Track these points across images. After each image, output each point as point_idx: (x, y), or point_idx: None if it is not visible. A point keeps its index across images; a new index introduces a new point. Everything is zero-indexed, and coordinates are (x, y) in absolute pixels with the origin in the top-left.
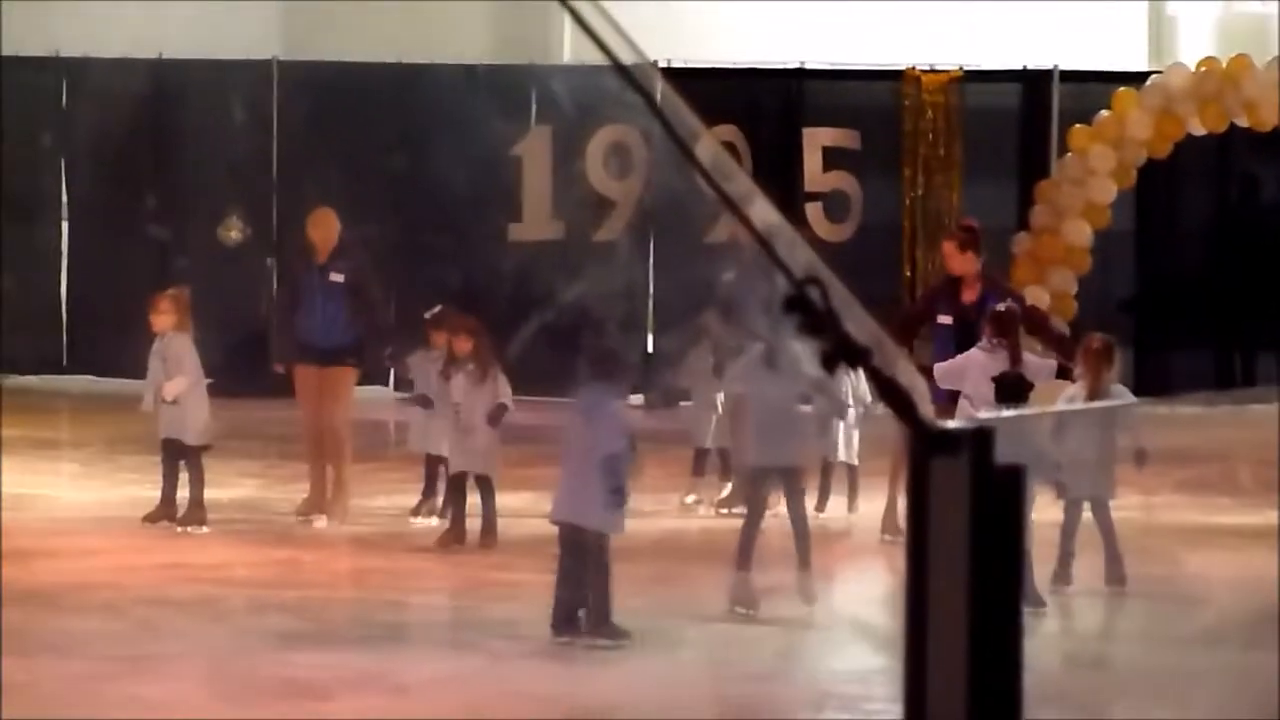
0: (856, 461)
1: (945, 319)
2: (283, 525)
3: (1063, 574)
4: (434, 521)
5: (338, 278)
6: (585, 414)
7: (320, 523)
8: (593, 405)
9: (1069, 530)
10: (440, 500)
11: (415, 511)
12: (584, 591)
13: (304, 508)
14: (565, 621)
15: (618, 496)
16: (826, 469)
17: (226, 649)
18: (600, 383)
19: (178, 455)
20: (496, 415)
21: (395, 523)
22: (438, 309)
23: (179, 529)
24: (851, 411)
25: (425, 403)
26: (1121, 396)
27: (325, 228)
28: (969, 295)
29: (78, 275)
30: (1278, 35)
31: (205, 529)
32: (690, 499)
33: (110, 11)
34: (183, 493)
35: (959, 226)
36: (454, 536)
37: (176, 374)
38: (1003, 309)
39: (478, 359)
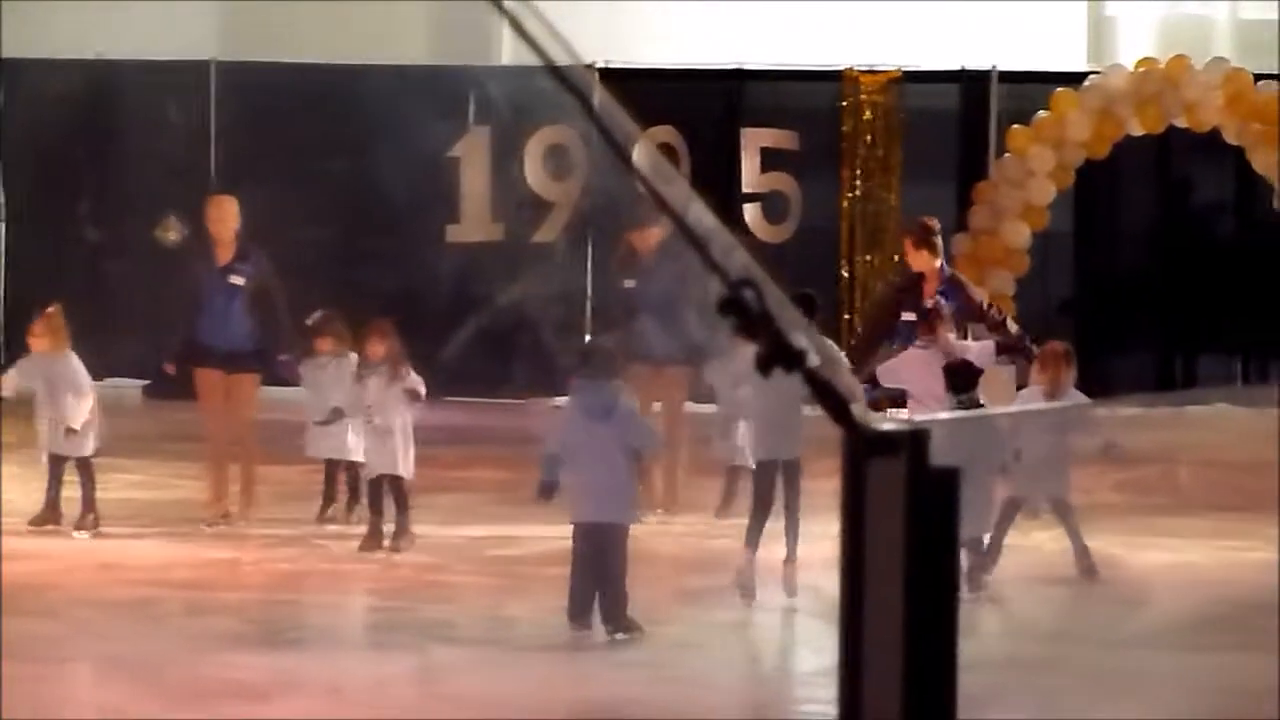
0: None
1: (909, 316)
2: (221, 527)
3: (988, 563)
4: (356, 525)
5: (238, 280)
6: (596, 414)
7: (222, 526)
8: (601, 404)
9: (1002, 524)
10: (345, 504)
11: (320, 518)
12: (598, 585)
13: (208, 512)
14: (582, 613)
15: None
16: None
17: (164, 651)
18: (601, 381)
19: (64, 461)
20: (414, 397)
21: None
22: (319, 314)
23: (75, 533)
24: None
25: (339, 415)
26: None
27: (223, 216)
28: (929, 292)
29: (15, 276)
30: (1217, 36)
31: (87, 535)
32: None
33: (47, 13)
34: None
35: (916, 224)
36: (375, 541)
37: (71, 396)
38: (930, 305)
39: (390, 361)
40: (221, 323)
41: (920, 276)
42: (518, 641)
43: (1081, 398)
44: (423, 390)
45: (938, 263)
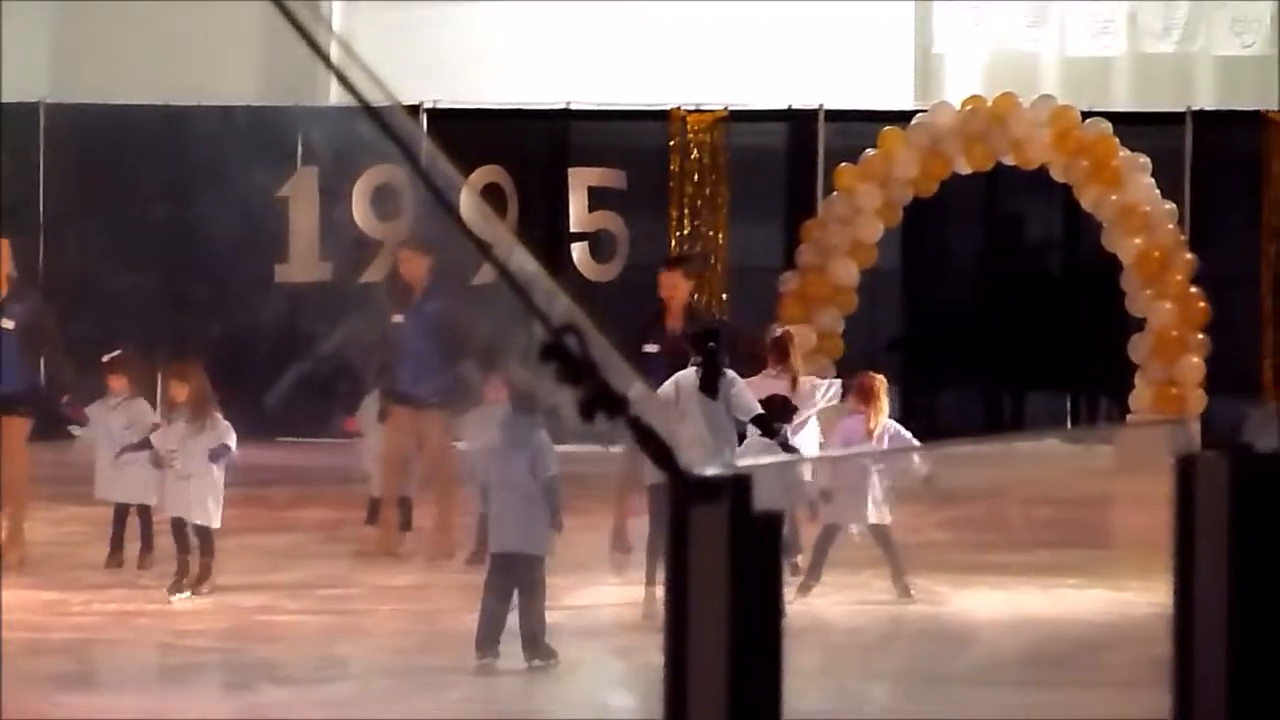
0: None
1: (651, 348)
2: (52, 567)
3: (808, 583)
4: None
5: (8, 324)
6: (515, 446)
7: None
8: (521, 437)
9: (821, 547)
10: (139, 551)
11: (109, 564)
12: (508, 614)
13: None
14: (491, 642)
15: (558, 518)
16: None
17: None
18: (524, 415)
19: None
20: (219, 454)
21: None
22: (116, 353)
23: None
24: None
25: (144, 446)
26: (897, 433)
27: None
28: (674, 323)
29: None
30: (1044, 73)
31: None
32: None
33: None
34: None
35: (675, 255)
36: (177, 584)
37: None
38: (780, 333)
39: (194, 405)
40: None
41: (663, 311)
42: (348, 680)
43: (898, 428)
44: (232, 442)
45: (688, 295)
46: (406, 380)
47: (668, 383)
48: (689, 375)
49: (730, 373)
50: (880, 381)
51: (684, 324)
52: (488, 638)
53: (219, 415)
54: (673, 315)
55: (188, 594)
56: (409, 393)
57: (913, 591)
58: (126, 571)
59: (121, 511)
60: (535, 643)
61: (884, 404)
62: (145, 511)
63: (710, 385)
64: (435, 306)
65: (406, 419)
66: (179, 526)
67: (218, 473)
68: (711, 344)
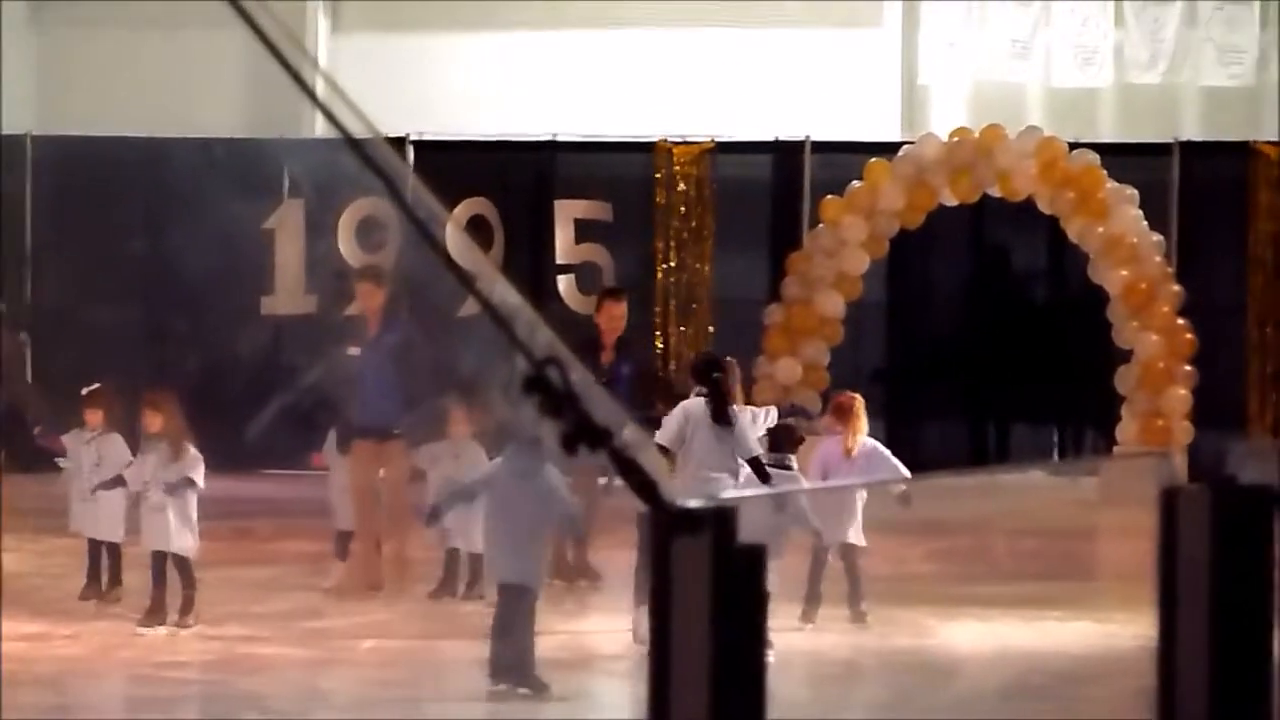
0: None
1: None
2: (38, 599)
3: (809, 611)
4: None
5: None
6: (519, 477)
7: None
8: (525, 468)
9: (815, 573)
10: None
11: (83, 595)
12: (517, 644)
13: None
14: (504, 671)
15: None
16: None
17: None
18: (533, 450)
19: None
20: (177, 487)
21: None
22: (95, 386)
23: None
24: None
25: (117, 483)
26: (874, 450)
27: None
28: (607, 357)
29: None
30: (1030, 105)
31: None
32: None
33: None
34: None
35: (612, 286)
36: (157, 616)
37: None
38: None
39: (168, 436)
40: None
41: (599, 341)
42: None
43: (875, 445)
44: (199, 475)
45: (622, 328)
46: (367, 413)
47: (676, 412)
48: (698, 405)
49: (735, 406)
50: (858, 401)
51: (615, 355)
52: (499, 668)
53: (191, 447)
54: (606, 347)
55: (168, 629)
56: (369, 425)
57: (868, 618)
58: (96, 604)
59: (95, 545)
60: (524, 673)
61: (862, 423)
62: (115, 548)
63: (722, 415)
64: (393, 338)
65: (369, 451)
66: (159, 561)
67: (190, 501)
68: (716, 374)
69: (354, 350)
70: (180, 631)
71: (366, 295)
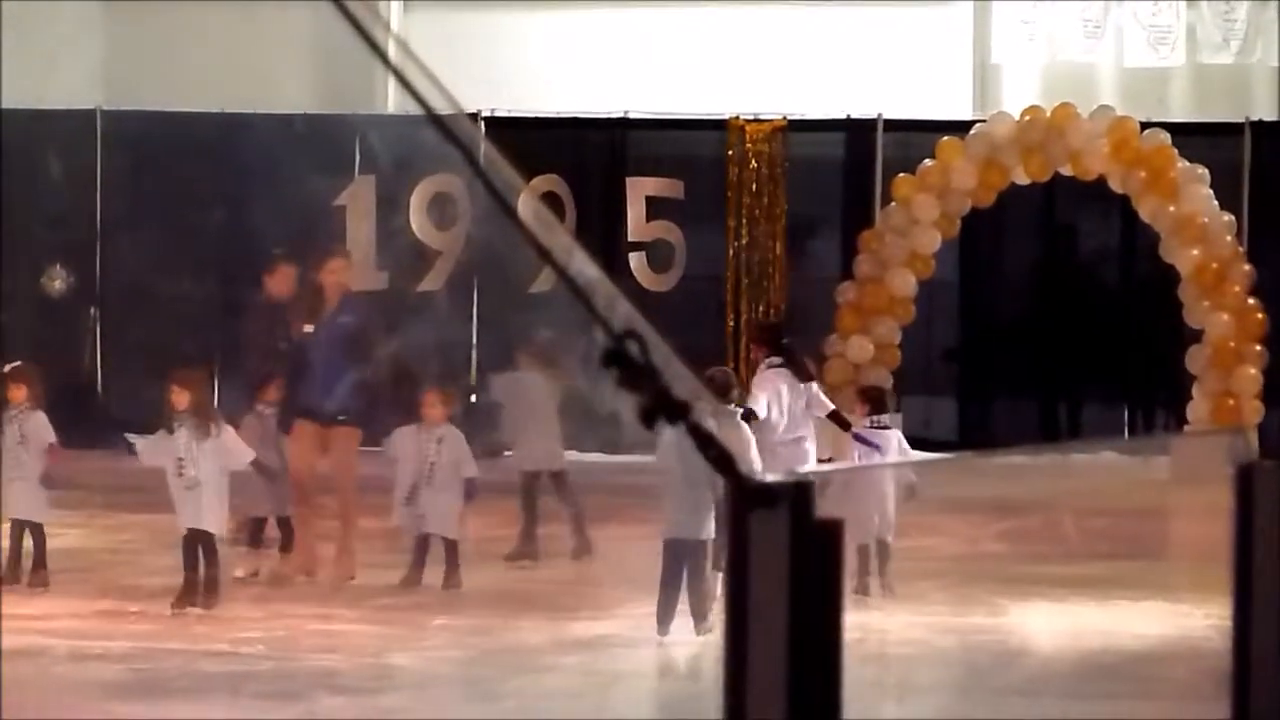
0: None
1: None
2: (106, 575)
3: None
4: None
5: None
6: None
7: None
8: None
9: (863, 564)
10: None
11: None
12: (678, 594)
13: None
14: (670, 620)
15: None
16: None
17: (52, 700)
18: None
19: None
20: (233, 460)
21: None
22: (17, 363)
23: None
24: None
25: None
26: (896, 435)
27: None
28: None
29: None
30: (1102, 84)
31: None
32: None
33: None
34: None
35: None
36: (188, 598)
37: None
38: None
39: (196, 413)
40: None
41: None
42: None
43: (899, 436)
44: (242, 454)
45: None
46: (311, 394)
47: (765, 383)
48: (780, 371)
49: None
50: (876, 391)
51: None
52: (666, 618)
53: (223, 423)
54: None
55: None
56: (313, 406)
57: (870, 592)
58: (20, 589)
59: (16, 529)
60: (703, 616)
61: (891, 411)
62: (38, 529)
63: (804, 372)
64: (349, 319)
65: (310, 434)
66: (190, 543)
67: (224, 482)
68: (785, 339)
69: (308, 328)
70: (207, 612)
71: (334, 271)
